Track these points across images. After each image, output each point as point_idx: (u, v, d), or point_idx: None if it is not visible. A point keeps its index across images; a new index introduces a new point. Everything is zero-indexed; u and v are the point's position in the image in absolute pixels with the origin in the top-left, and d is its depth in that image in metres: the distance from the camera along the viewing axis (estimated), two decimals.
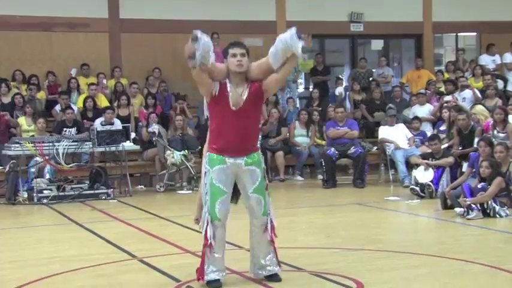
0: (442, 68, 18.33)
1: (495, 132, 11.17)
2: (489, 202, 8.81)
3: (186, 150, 12.78)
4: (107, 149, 12.19)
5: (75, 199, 11.52)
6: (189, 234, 7.81)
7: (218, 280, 5.54)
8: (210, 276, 5.54)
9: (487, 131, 11.47)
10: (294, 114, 15.10)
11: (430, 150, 11.51)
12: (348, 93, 16.43)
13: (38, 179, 11.81)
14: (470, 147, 11.41)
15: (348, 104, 16.00)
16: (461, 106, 13.64)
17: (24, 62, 15.35)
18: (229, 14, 16.12)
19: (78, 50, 15.71)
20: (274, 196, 5.85)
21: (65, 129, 13.22)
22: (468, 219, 8.69)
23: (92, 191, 11.76)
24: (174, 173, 12.95)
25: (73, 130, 13.25)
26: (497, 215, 8.77)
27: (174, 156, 12.57)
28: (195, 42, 5.27)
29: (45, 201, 11.37)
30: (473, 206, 8.77)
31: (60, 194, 11.56)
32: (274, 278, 5.68)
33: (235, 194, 5.71)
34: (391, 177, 13.19)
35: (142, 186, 13.53)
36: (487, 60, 17.02)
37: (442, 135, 12.48)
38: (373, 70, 17.43)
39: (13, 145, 11.70)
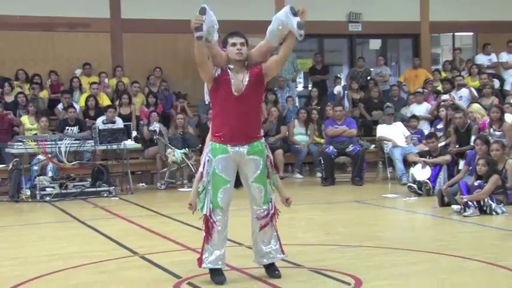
0: (439, 67, 18.34)
1: (491, 130, 11.15)
2: (485, 199, 8.80)
3: (186, 149, 12.76)
4: (109, 147, 12.17)
5: (77, 197, 11.52)
6: (189, 231, 7.80)
7: (220, 269, 5.51)
8: (211, 264, 5.49)
9: (483, 130, 11.45)
10: (293, 112, 15.09)
11: (427, 148, 11.49)
12: (346, 92, 16.43)
13: (41, 177, 11.79)
14: (467, 146, 11.40)
15: (346, 103, 15.99)
16: (458, 105, 13.66)
17: (27, 61, 15.34)
18: (229, 14, 16.03)
19: (80, 50, 15.71)
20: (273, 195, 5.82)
21: (67, 127, 13.22)
22: (465, 216, 8.68)
23: (93, 189, 11.75)
24: (175, 171, 12.93)
25: (75, 128, 13.24)
26: (494, 212, 8.76)
27: (175, 154, 12.55)
28: (202, 14, 5.25)
29: (47, 198, 11.36)
30: (470, 203, 8.76)
31: (63, 191, 11.55)
32: (274, 270, 5.63)
33: (238, 181, 5.65)
34: (389, 175, 13.17)
35: (144, 184, 13.51)
36: (483, 60, 17.02)
37: (439, 134, 12.47)
38: (371, 69, 17.44)
39: (16, 143, 11.68)
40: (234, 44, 5.52)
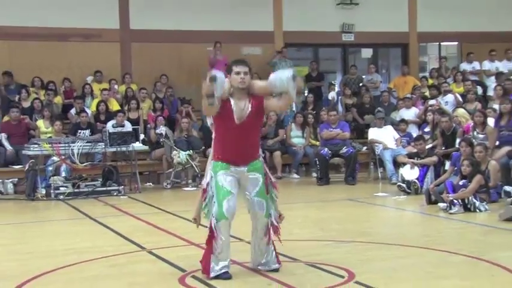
0: (427, 74, 18.33)
1: (475, 133, 11.15)
2: (470, 198, 8.80)
3: (191, 150, 12.78)
4: (118, 149, 12.20)
5: (89, 195, 11.51)
6: (194, 228, 7.74)
7: (227, 272, 5.46)
8: (218, 272, 5.42)
9: (467, 133, 11.46)
10: (290, 117, 15.08)
11: (415, 150, 11.51)
12: (340, 97, 16.42)
13: (55, 177, 11.80)
14: (452, 147, 11.41)
15: (340, 108, 15.97)
16: (444, 109, 13.68)
17: (43, 69, 15.34)
18: (230, 25, 16.11)
19: (91, 58, 15.69)
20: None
21: (79, 131, 13.25)
22: (450, 213, 8.68)
23: (104, 188, 11.75)
24: (180, 171, 12.93)
25: (87, 132, 13.27)
26: (477, 210, 8.76)
27: (180, 155, 12.55)
28: (213, 83, 5.17)
29: (61, 197, 11.36)
30: (455, 201, 8.76)
31: (75, 190, 11.55)
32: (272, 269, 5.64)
33: None
34: (379, 175, 13.17)
35: (151, 184, 13.50)
36: (467, 67, 17.03)
37: (427, 136, 12.47)
38: (363, 76, 17.43)
39: (32, 146, 11.71)
40: (238, 73, 5.45)
